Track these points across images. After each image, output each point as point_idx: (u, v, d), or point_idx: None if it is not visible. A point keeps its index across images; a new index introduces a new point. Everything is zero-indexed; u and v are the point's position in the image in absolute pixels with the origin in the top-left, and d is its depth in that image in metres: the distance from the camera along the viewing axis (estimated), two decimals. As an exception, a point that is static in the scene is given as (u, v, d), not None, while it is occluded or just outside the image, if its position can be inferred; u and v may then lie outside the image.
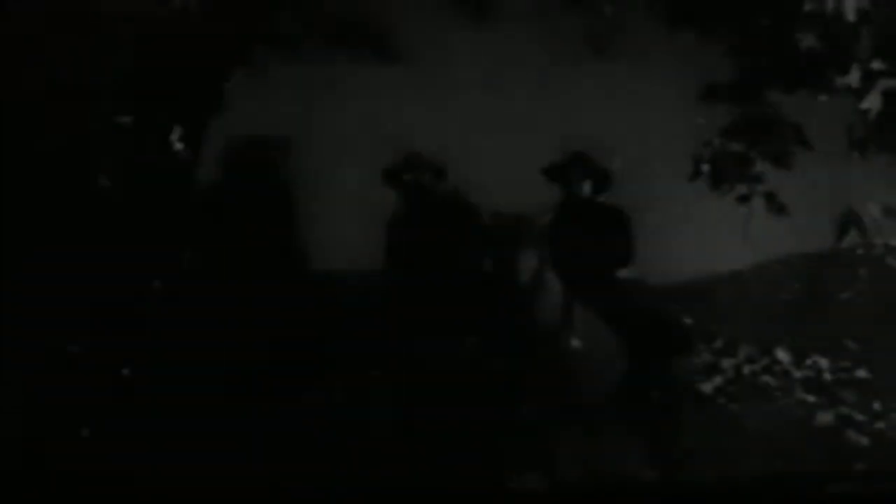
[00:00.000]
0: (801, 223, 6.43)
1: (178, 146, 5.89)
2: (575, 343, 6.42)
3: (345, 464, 6.01)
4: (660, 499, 7.21)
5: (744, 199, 6.23)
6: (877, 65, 5.13)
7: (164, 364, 6.27)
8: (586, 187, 6.95)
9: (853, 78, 5.18)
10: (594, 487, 6.53)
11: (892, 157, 5.46)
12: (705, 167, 6.14)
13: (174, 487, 5.40)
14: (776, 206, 6.23)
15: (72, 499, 5.18)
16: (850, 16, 5.14)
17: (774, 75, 5.80)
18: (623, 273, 7.00)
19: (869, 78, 5.16)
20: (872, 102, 5.16)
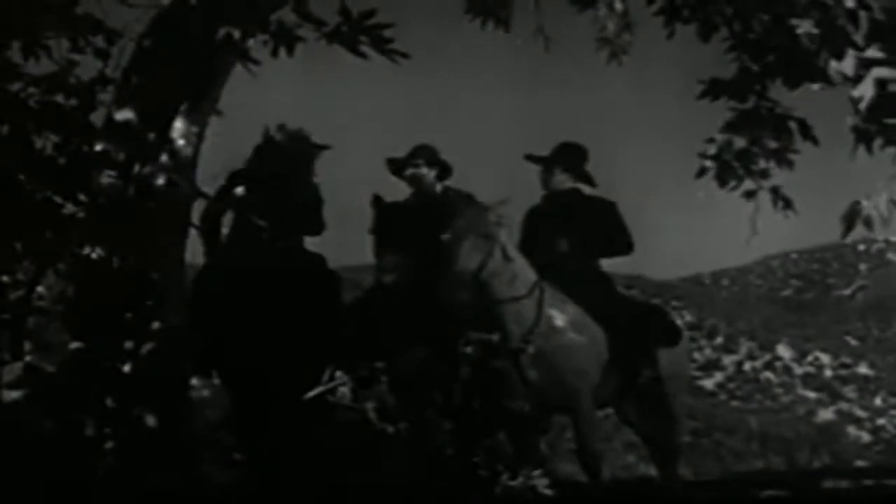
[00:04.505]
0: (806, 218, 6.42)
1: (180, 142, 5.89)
2: (557, 335, 6.40)
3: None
4: (659, 493, 7.21)
5: (750, 194, 6.21)
6: (871, 52, 5.11)
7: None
8: (567, 178, 6.95)
9: (847, 65, 5.16)
10: (591, 483, 6.52)
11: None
12: (710, 164, 6.12)
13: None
14: (783, 200, 6.21)
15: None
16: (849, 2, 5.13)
17: (777, 67, 5.79)
18: (607, 262, 7.01)
19: (864, 65, 5.14)
20: (865, 90, 5.14)
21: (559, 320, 6.37)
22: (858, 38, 5.13)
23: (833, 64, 5.13)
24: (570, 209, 6.78)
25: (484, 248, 6.19)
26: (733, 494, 7.55)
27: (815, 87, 5.39)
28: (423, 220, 6.62)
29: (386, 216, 6.87)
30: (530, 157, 6.96)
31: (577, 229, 6.68)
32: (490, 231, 6.22)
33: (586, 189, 7.00)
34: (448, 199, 6.65)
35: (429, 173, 6.93)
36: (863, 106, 5.07)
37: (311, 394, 6.30)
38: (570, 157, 6.96)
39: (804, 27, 5.17)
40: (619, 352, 6.49)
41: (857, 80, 5.08)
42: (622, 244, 6.84)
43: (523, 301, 6.30)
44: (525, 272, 6.38)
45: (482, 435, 6.12)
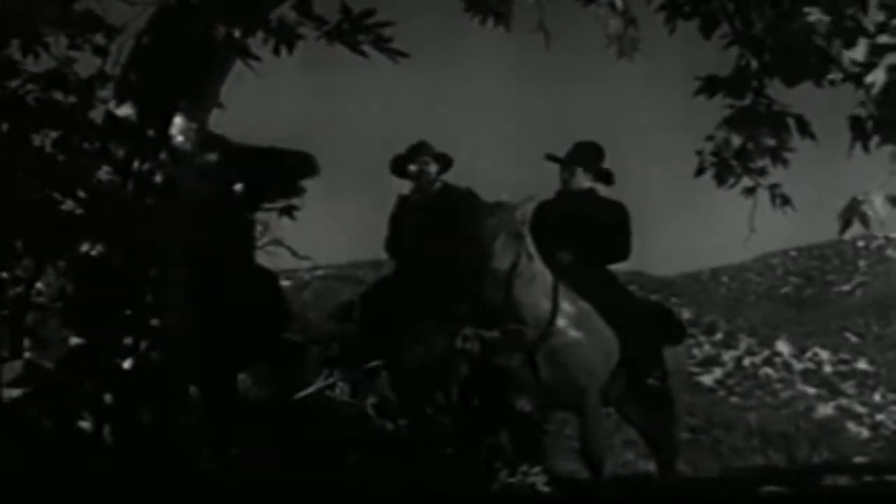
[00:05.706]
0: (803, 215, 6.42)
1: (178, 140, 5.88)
2: (568, 333, 6.39)
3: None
4: (659, 491, 7.21)
5: (749, 191, 6.22)
6: (884, 39, 5.09)
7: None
8: (587, 178, 6.94)
9: (859, 51, 5.13)
10: (590, 480, 6.52)
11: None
12: (712, 159, 6.12)
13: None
14: (780, 198, 6.21)
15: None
16: None
17: (776, 64, 5.77)
18: (620, 264, 7.00)
19: (875, 52, 5.12)
20: (877, 76, 5.11)
21: (562, 319, 6.37)
22: (869, 24, 5.12)
23: (845, 52, 5.12)
24: (581, 211, 6.78)
25: (515, 247, 6.18)
26: (733, 491, 7.54)
27: (833, 76, 5.37)
28: (436, 216, 6.64)
29: (398, 212, 6.91)
30: (550, 157, 6.96)
31: (584, 232, 6.68)
32: (519, 230, 6.23)
33: (601, 190, 7.01)
34: (465, 198, 6.69)
35: (432, 168, 6.97)
36: (874, 92, 5.06)
37: (307, 391, 6.31)
38: (586, 156, 6.97)
39: (814, 15, 5.15)
40: (628, 352, 6.50)
41: (868, 67, 5.08)
42: (620, 252, 6.85)
43: (540, 300, 6.30)
44: (544, 272, 6.38)
45: (482, 432, 6.12)
